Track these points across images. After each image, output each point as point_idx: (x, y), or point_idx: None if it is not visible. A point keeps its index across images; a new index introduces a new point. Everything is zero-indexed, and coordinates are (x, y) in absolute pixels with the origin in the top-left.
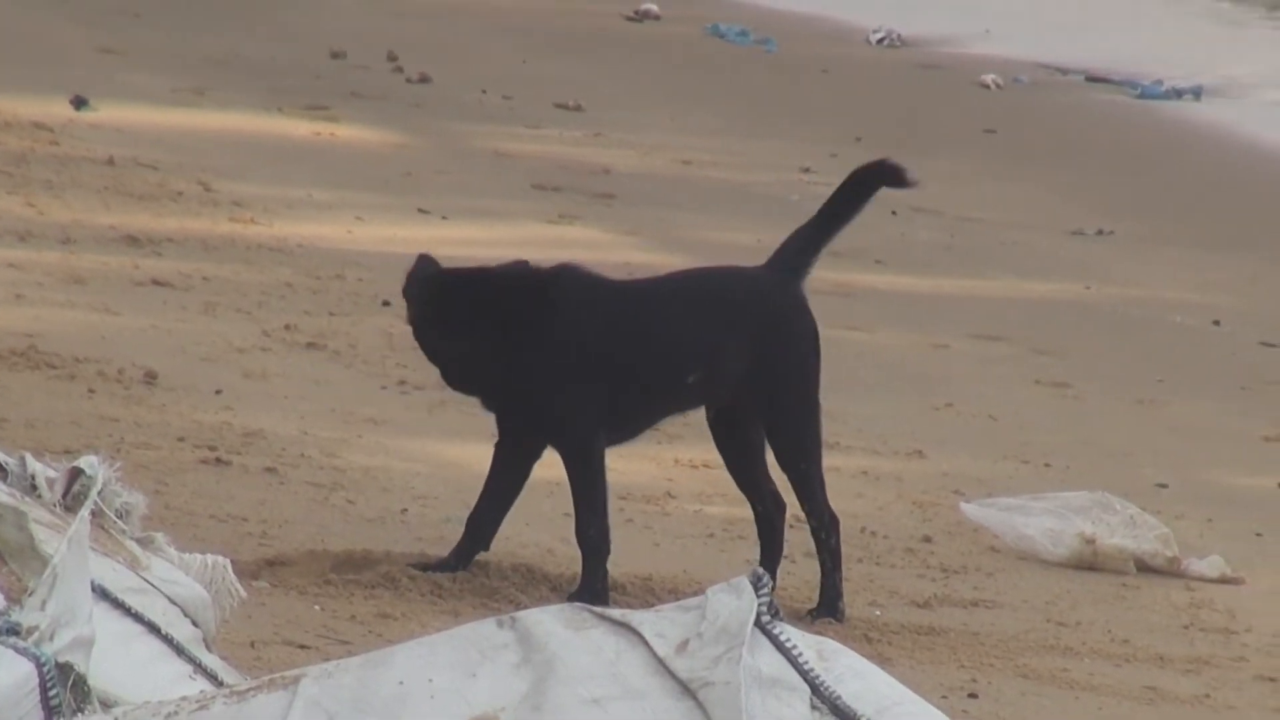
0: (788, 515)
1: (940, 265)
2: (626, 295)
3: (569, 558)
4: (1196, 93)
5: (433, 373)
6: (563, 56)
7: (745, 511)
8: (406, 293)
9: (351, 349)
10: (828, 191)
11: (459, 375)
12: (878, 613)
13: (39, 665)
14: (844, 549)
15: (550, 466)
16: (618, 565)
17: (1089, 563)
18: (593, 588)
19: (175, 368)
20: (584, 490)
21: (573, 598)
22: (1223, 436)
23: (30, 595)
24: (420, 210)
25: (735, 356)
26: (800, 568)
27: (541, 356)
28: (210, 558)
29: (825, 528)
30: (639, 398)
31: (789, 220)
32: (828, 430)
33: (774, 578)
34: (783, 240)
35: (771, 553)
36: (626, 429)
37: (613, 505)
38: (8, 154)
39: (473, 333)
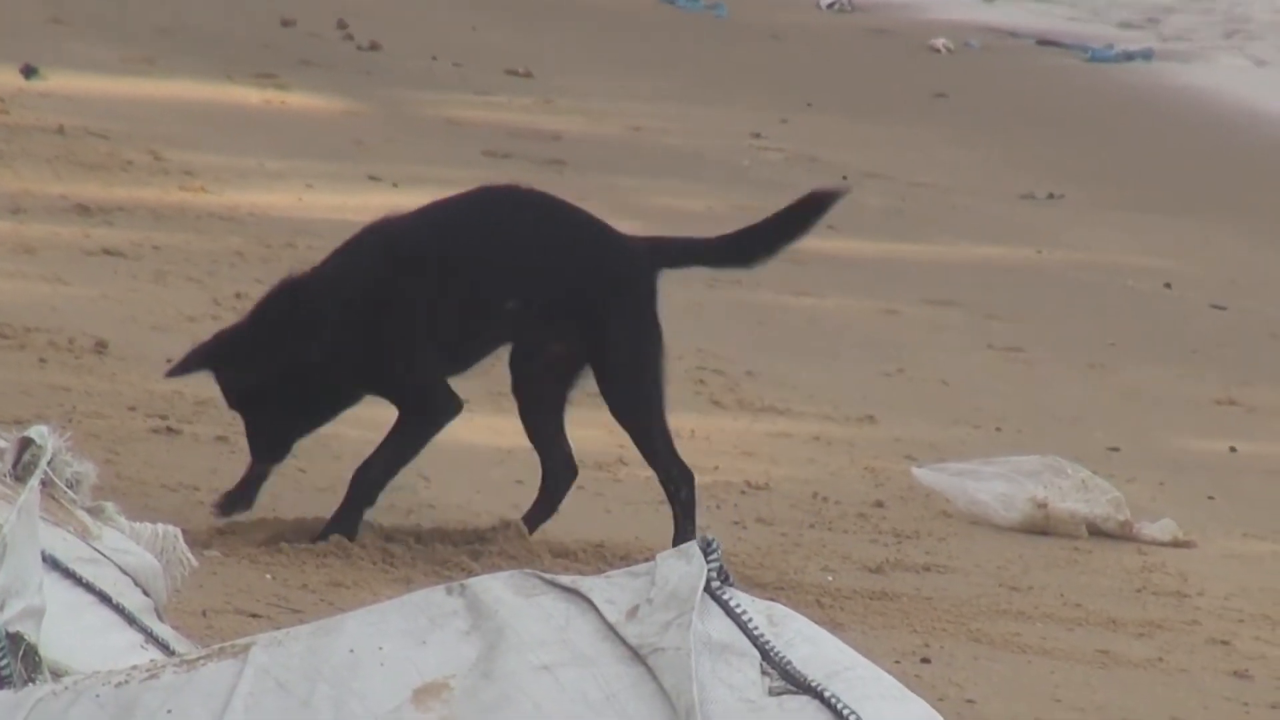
0: (741, 480)
1: (891, 230)
2: (427, 226)
3: (525, 526)
4: (1147, 56)
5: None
6: (513, 23)
7: (698, 478)
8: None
9: None
10: (779, 157)
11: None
12: (830, 578)
13: None
14: (797, 514)
15: (500, 434)
16: (569, 532)
17: (1041, 527)
18: (345, 521)
19: (126, 337)
20: (403, 441)
21: (323, 533)
22: (1174, 400)
23: None
24: (371, 178)
25: (555, 278)
26: (751, 534)
27: (368, 320)
28: (161, 527)
29: (674, 481)
30: (462, 319)
31: (740, 186)
32: (779, 396)
33: (531, 531)
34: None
35: (544, 510)
36: (459, 359)
37: None
38: None
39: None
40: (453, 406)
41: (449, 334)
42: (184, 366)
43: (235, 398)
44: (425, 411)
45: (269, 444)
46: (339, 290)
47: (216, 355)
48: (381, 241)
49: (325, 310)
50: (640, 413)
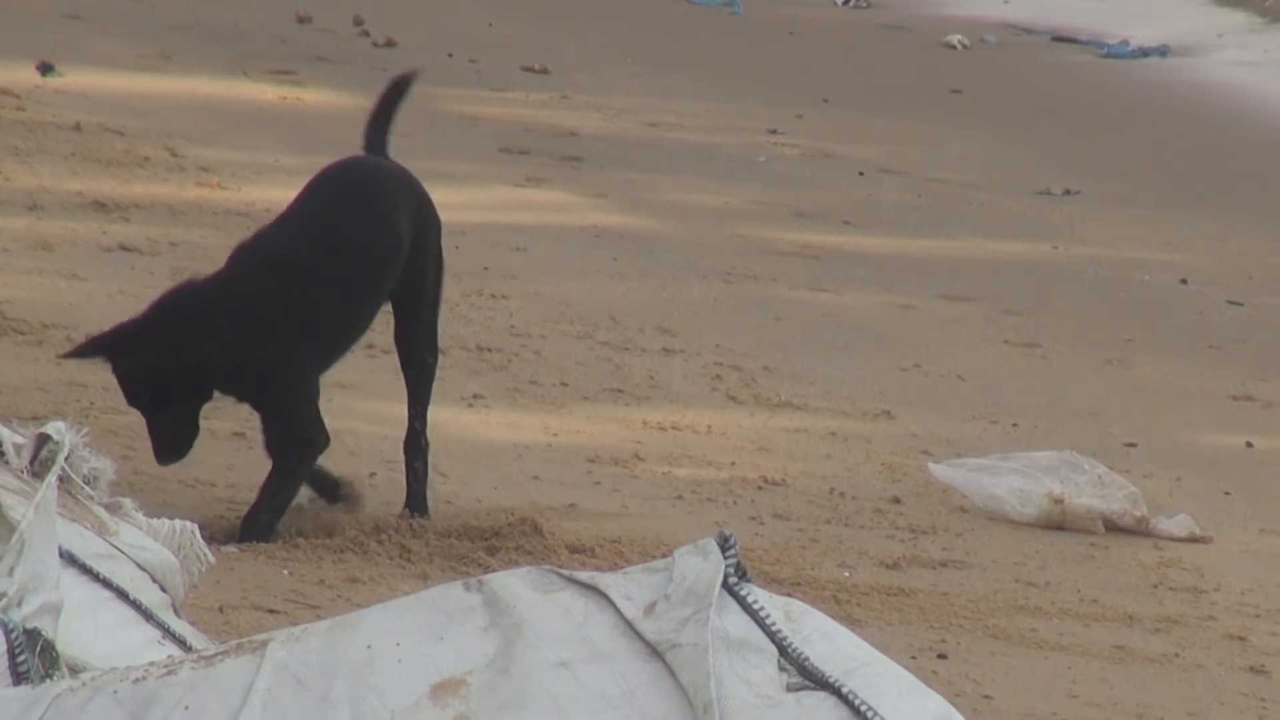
0: (758, 476)
1: (908, 226)
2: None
3: (542, 522)
4: (1162, 52)
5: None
6: (529, 19)
7: (714, 473)
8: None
9: None
10: (795, 153)
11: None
12: (847, 574)
13: (7, 632)
14: (813, 510)
15: (517, 429)
16: (587, 527)
17: (1058, 522)
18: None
19: None
20: (284, 477)
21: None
22: (1191, 395)
23: None
24: None
25: (405, 241)
26: (768, 529)
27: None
28: (179, 523)
29: (426, 442)
30: (349, 314)
31: (756, 181)
32: (795, 392)
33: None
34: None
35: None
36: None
37: (581, 467)
38: None
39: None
40: (324, 438)
41: (342, 317)
42: (80, 351)
43: (132, 391)
44: (302, 440)
45: (169, 443)
46: (234, 295)
47: (111, 345)
48: (267, 252)
49: (219, 312)
50: (435, 358)
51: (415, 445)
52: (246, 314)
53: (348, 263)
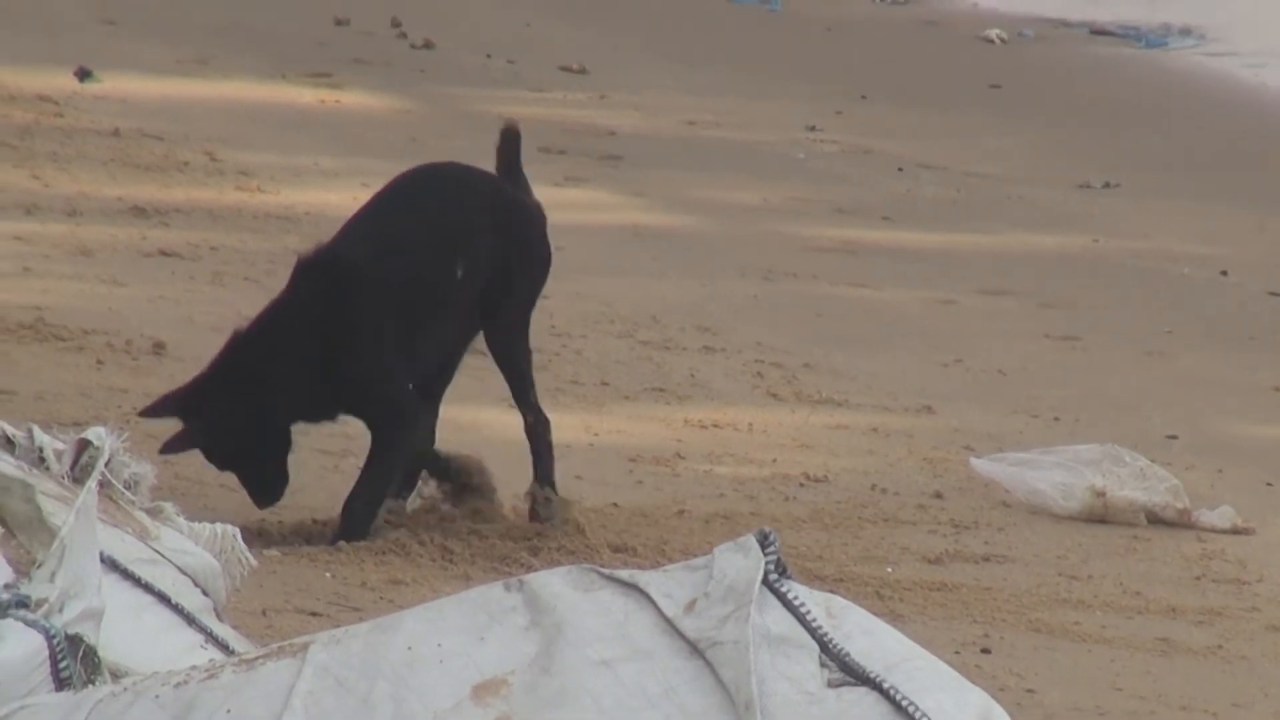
0: (799, 473)
1: (947, 221)
2: (374, 219)
3: (584, 521)
4: (1199, 40)
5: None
6: (566, 20)
7: (756, 471)
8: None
9: None
10: (834, 150)
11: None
12: (889, 569)
13: (49, 637)
14: (855, 506)
15: (557, 429)
16: (629, 527)
17: (1100, 515)
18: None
19: (183, 338)
20: (383, 461)
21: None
22: (1232, 387)
23: (39, 568)
24: None
25: (486, 242)
26: (811, 526)
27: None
28: (220, 526)
29: (542, 424)
30: (429, 317)
31: (795, 178)
32: (836, 388)
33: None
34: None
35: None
36: (430, 361)
37: (623, 466)
38: (13, 127)
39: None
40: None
41: (416, 331)
42: (155, 410)
43: (209, 453)
44: (399, 424)
45: (265, 486)
46: (290, 334)
47: (183, 406)
48: (323, 269)
49: (279, 359)
50: (527, 355)
51: (532, 431)
52: (312, 330)
53: (401, 269)
